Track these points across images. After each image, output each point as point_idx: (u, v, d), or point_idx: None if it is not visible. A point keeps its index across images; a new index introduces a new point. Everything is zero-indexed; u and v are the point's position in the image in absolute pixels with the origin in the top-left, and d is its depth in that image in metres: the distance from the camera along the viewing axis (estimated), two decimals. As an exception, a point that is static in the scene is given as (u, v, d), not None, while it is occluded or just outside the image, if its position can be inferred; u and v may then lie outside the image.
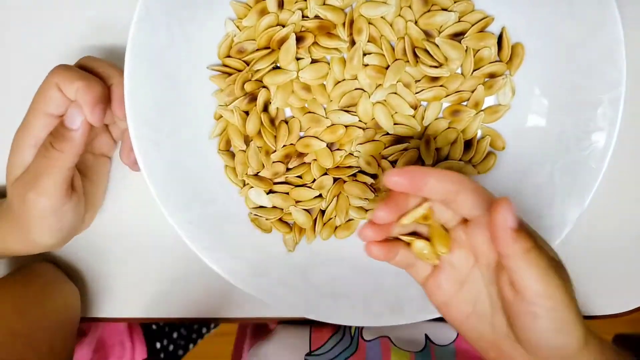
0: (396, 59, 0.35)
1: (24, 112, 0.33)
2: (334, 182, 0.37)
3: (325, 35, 0.35)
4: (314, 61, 0.36)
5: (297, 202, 0.37)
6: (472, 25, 0.35)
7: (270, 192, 0.37)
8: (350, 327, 0.46)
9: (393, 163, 0.37)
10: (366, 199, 0.37)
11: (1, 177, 0.40)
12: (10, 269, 0.41)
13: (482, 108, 0.36)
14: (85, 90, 0.31)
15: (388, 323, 0.36)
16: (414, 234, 0.30)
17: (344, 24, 0.35)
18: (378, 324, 0.36)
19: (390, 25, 0.35)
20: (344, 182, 0.37)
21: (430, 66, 0.35)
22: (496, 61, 0.35)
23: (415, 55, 0.35)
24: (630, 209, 0.39)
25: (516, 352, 0.28)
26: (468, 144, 0.36)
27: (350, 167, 0.37)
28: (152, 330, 0.56)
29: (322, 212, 0.38)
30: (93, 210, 0.38)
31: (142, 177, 0.34)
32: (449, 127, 0.36)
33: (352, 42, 0.35)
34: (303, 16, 0.35)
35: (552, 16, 0.33)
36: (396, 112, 0.36)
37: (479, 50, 0.35)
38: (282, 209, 0.37)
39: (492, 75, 0.35)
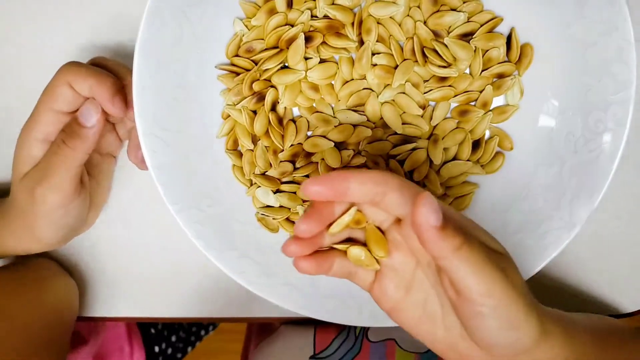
0: (405, 59, 0.35)
1: (32, 109, 0.33)
2: (341, 182, 0.37)
3: (334, 35, 0.35)
4: (322, 61, 0.36)
5: (304, 201, 0.37)
6: (481, 26, 0.34)
7: (278, 191, 0.37)
8: (355, 327, 0.46)
9: (401, 162, 0.37)
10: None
11: (1, 176, 0.40)
12: (5, 262, 0.41)
13: (491, 108, 0.36)
14: (100, 84, 0.32)
15: (392, 324, 0.35)
16: (350, 240, 0.28)
17: (352, 23, 0.35)
18: (385, 325, 0.35)
19: (399, 25, 0.35)
20: (352, 182, 0.37)
21: (439, 66, 0.35)
22: (505, 61, 0.35)
23: (424, 55, 0.35)
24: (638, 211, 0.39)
25: (474, 352, 0.26)
26: (476, 144, 0.36)
27: (358, 166, 0.37)
28: (150, 334, 0.56)
29: (330, 212, 0.37)
30: (96, 209, 0.38)
31: (144, 177, 0.34)
32: (457, 127, 0.36)
33: (361, 42, 0.35)
34: (312, 16, 0.35)
35: (561, 16, 0.33)
36: (404, 112, 0.36)
37: (487, 50, 0.35)
38: (290, 209, 0.37)
39: (501, 76, 0.35)
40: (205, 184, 0.36)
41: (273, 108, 0.36)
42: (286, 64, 0.36)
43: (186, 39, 0.34)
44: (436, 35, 0.35)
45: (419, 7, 0.35)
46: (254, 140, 0.37)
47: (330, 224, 0.27)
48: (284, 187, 0.37)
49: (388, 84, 0.35)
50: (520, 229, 0.35)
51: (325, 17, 0.35)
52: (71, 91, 0.32)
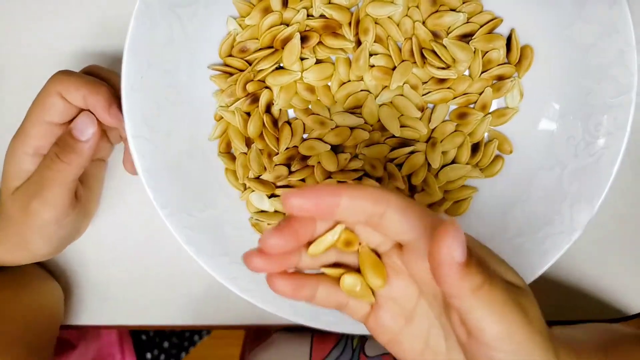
0: (403, 60, 0.34)
1: (21, 119, 0.32)
2: (337, 185, 0.36)
3: (331, 35, 0.34)
4: (318, 61, 0.35)
5: (299, 206, 0.36)
6: (481, 27, 0.34)
7: (272, 196, 0.36)
8: (352, 341, 0.45)
9: (399, 166, 0.36)
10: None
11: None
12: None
13: (490, 111, 0.35)
14: (94, 94, 0.30)
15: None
16: (338, 265, 0.24)
17: (349, 23, 0.34)
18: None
19: (397, 26, 0.34)
20: (348, 185, 0.36)
21: (438, 68, 0.34)
22: (505, 63, 0.35)
23: (423, 57, 0.34)
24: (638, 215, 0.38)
25: None
26: (475, 147, 0.36)
27: (355, 170, 0.36)
28: (142, 341, 0.55)
29: (325, 216, 0.37)
30: (89, 217, 0.37)
31: (134, 180, 0.33)
32: (456, 130, 0.35)
33: (358, 43, 0.34)
34: (308, 15, 0.34)
35: (562, 18, 0.33)
36: (402, 115, 0.35)
37: (487, 52, 0.34)
38: (285, 214, 0.36)
39: (501, 78, 0.35)
40: (197, 188, 0.35)
41: (268, 110, 0.35)
42: (281, 65, 0.35)
43: (178, 39, 0.33)
44: (435, 36, 0.34)
45: (417, 7, 0.34)
46: (248, 142, 0.36)
47: (311, 243, 0.23)
48: (279, 191, 0.36)
49: (386, 86, 0.35)
50: (520, 233, 0.35)
51: (322, 16, 0.34)
52: (63, 102, 0.30)
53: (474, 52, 0.34)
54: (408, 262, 0.23)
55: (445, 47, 0.34)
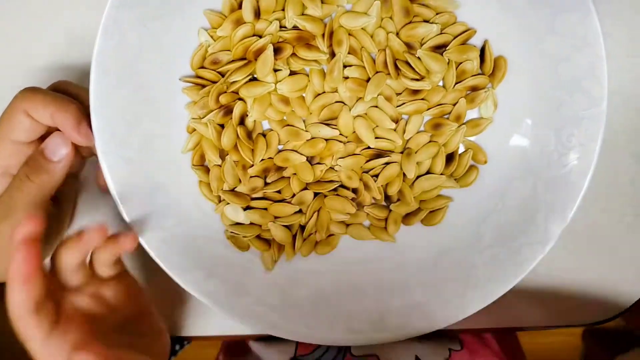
0: (377, 72, 0.34)
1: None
2: (314, 197, 0.36)
3: (304, 47, 0.34)
4: (292, 73, 0.35)
5: (276, 218, 0.36)
6: (455, 38, 0.34)
7: (248, 208, 0.36)
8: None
9: (375, 177, 0.36)
10: (348, 213, 0.36)
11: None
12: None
13: (464, 121, 0.35)
14: (62, 112, 0.29)
15: (370, 341, 0.35)
16: None
17: (323, 35, 0.34)
18: (360, 343, 0.35)
19: (371, 37, 0.34)
20: (325, 196, 0.36)
21: (412, 79, 0.34)
22: (478, 74, 0.35)
23: (397, 68, 0.34)
24: (610, 224, 0.39)
25: None
26: (450, 158, 0.36)
27: (331, 181, 0.36)
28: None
29: (302, 227, 0.36)
30: (60, 234, 0.36)
31: (110, 197, 0.32)
32: (430, 141, 0.35)
33: (332, 54, 0.34)
34: (281, 26, 0.34)
35: (534, 30, 0.33)
36: (377, 126, 0.35)
37: (461, 63, 0.34)
38: (261, 226, 0.36)
39: (475, 89, 0.35)
40: (170, 202, 0.34)
41: (242, 122, 0.35)
42: (254, 76, 0.34)
43: (148, 52, 0.33)
44: (409, 47, 0.34)
45: (391, 18, 0.34)
46: (222, 155, 0.35)
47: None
48: (254, 203, 0.36)
49: (360, 97, 0.34)
50: (494, 243, 0.35)
51: (295, 28, 0.34)
52: (29, 120, 0.29)
53: (448, 63, 0.34)
54: None
55: (419, 58, 0.34)
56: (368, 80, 0.34)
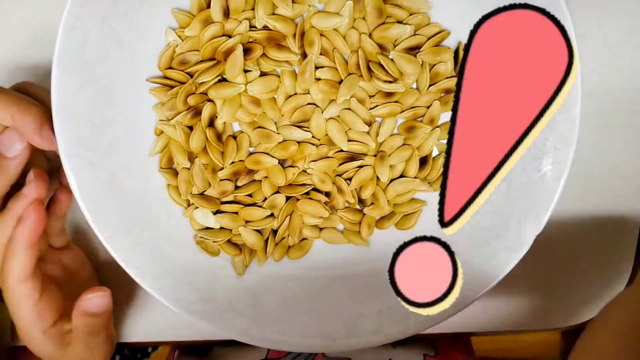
0: (350, 74, 0.33)
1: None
2: (286, 200, 0.35)
3: (275, 47, 0.33)
4: (263, 74, 0.34)
5: (247, 222, 0.35)
6: (428, 39, 0.33)
7: (218, 212, 0.35)
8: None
9: (348, 180, 0.35)
10: (320, 217, 0.35)
11: None
12: None
13: (438, 124, 0.35)
14: (24, 114, 0.29)
15: (343, 348, 0.34)
16: None
17: (294, 35, 0.33)
18: (333, 350, 0.34)
19: (344, 38, 0.33)
20: (297, 200, 0.35)
21: (385, 81, 0.33)
22: (453, 76, 0.34)
23: (370, 70, 0.33)
24: (585, 230, 0.39)
25: None
26: (423, 161, 0.35)
27: (303, 184, 0.35)
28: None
29: (274, 232, 0.36)
30: None
31: (75, 202, 0.31)
32: (404, 144, 0.35)
33: (304, 55, 0.33)
34: (251, 26, 0.33)
35: (508, 32, 0.32)
36: (350, 129, 0.34)
37: (435, 65, 0.34)
38: (231, 230, 0.35)
39: (449, 91, 0.34)
40: (137, 207, 0.33)
41: (211, 123, 0.34)
42: (224, 77, 0.34)
43: (113, 51, 0.31)
44: (382, 48, 0.33)
45: (363, 18, 0.33)
46: (191, 157, 0.34)
47: None
48: (224, 207, 0.35)
49: (333, 99, 0.34)
50: (467, 249, 0.34)
51: (265, 28, 0.33)
52: None
53: (422, 65, 0.33)
54: None
55: (392, 60, 0.33)
56: (340, 82, 0.33)
